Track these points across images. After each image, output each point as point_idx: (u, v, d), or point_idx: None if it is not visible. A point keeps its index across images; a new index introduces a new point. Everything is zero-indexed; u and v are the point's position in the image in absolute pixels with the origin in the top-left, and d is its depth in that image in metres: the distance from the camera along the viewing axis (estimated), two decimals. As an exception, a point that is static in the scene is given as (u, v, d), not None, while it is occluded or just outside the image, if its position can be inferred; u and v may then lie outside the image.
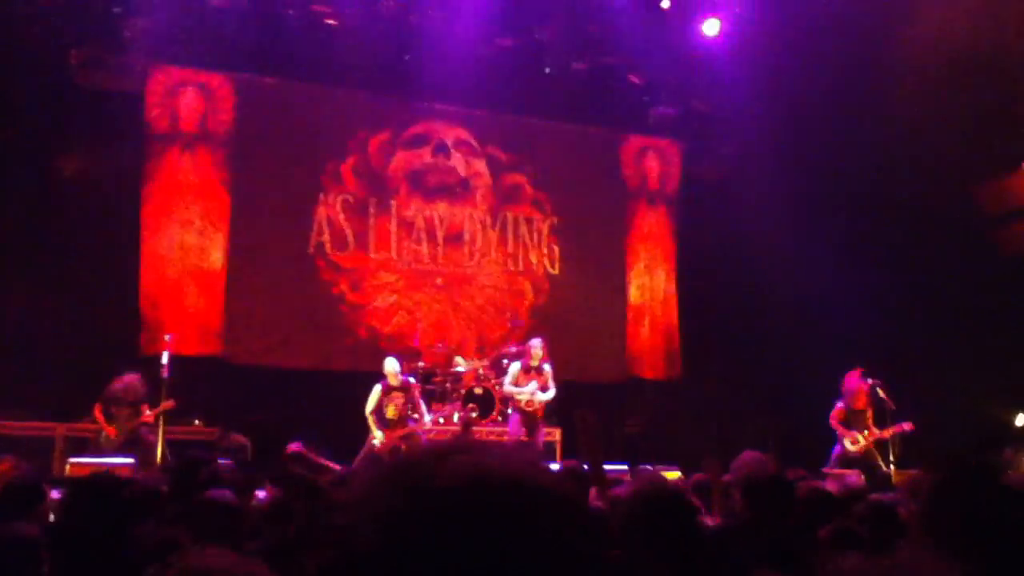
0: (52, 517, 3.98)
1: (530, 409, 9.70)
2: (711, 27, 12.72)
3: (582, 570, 0.66)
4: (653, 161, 13.76)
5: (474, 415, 10.59)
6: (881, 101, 11.49)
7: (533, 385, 9.74)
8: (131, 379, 9.04)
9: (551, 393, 9.82)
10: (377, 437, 9.27)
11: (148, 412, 9.02)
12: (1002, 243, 10.79)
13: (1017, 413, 10.40)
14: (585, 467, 5.26)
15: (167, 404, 9.05)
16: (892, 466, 9.60)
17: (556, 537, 0.66)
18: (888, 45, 11.09)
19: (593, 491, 4.56)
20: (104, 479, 3.37)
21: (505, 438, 9.84)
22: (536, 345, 9.88)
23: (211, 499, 3.19)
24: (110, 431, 8.83)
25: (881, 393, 9.74)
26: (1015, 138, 10.69)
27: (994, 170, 10.92)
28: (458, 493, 0.66)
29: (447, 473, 0.68)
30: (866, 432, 9.67)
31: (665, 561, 2.57)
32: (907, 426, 9.57)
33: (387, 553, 0.64)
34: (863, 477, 8.57)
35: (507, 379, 9.93)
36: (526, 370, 9.82)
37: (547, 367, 9.86)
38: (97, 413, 8.90)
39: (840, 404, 9.80)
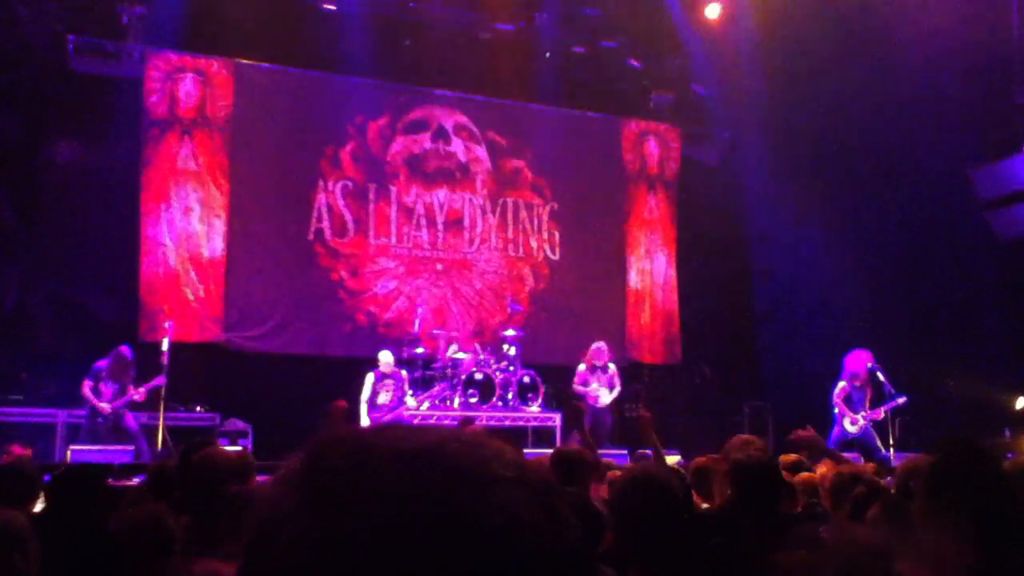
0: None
1: (600, 406, 10.45)
2: (712, 11, 12.69)
3: (477, 551, 0.61)
4: (653, 146, 13.71)
5: (473, 400, 10.65)
6: (879, 86, 11.47)
7: (600, 387, 10.53)
8: (118, 355, 8.92)
9: (616, 391, 10.65)
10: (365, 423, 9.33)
11: (137, 390, 8.87)
12: (1000, 227, 10.77)
13: (1016, 396, 10.39)
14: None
15: (157, 381, 8.90)
16: (891, 450, 9.62)
17: (445, 515, 0.61)
18: (887, 30, 11.06)
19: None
20: (87, 468, 3.39)
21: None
22: (601, 349, 10.62)
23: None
24: (103, 408, 8.77)
25: (880, 376, 9.76)
26: (1013, 122, 10.66)
27: (992, 154, 10.89)
28: (345, 468, 0.64)
29: (339, 450, 0.66)
30: (864, 413, 9.70)
31: (654, 545, 2.59)
32: (901, 400, 9.62)
33: (283, 528, 0.63)
34: (863, 460, 8.60)
35: (576, 379, 10.63)
36: (591, 369, 10.57)
37: (612, 366, 10.73)
38: (85, 391, 8.81)
39: (843, 383, 9.80)
